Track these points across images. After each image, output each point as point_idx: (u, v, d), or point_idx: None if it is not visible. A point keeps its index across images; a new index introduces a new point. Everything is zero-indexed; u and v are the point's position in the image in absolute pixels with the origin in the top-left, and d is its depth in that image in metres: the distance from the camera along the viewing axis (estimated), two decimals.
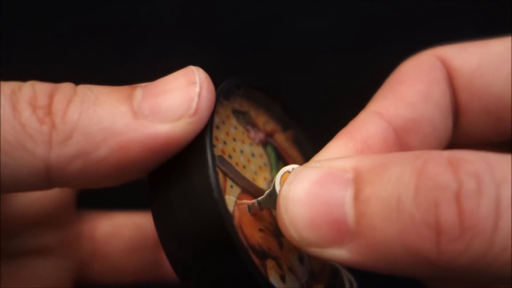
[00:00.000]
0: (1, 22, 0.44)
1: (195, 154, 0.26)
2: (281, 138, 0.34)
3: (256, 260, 0.28)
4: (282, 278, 0.29)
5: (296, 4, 0.48)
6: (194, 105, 0.25)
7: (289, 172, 0.28)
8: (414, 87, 0.29)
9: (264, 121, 0.33)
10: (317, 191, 0.24)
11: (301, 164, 0.29)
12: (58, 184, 0.26)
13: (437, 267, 0.22)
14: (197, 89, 0.26)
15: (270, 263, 0.28)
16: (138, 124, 0.25)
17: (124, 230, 0.37)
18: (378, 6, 0.48)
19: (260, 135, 0.33)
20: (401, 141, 0.29)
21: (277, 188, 0.28)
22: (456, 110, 0.31)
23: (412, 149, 0.29)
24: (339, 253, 0.24)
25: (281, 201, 0.24)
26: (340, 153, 0.27)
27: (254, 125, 0.32)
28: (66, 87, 0.26)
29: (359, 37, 0.48)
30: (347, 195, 0.23)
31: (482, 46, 0.30)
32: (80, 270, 0.36)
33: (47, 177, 0.25)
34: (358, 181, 0.23)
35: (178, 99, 0.25)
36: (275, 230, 0.30)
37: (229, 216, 0.25)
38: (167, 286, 0.37)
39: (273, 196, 0.28)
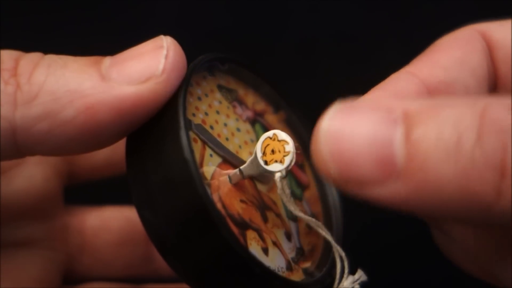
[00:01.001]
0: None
1: (168, 116, 0.26)
2: (272, 119, 0.33)
3: (234, 229, 0.26)
4: (265, 251, 0.28)
5: (297, 6, 0.49)
6: (161, 66, 0.26)
7: (270, 138, 0.27)
8: (450, 53, 0.29)
9: (254, 101, 0.33)
10: (362, 127, 0.23)
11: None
12: (26, 149, 0.26)
13: (491, 211, 0.22)
14: (164, 52, 0.26)
15: (251, 234, 0.27)
16: (105, 86, 0.25)
17: (113, 223, 0.36)
18: (379, 8, 0.48)
19: (248, 113, 0.32)
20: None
21: (259, 154, 0.27)
22: (496, 82, 0.30)
23: None
24: (381, 191, 0.23)
25: (322, 134, 0.23)
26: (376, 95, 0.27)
27: (241, 103, 0.32)
28: (34, 54, 0.26)
29: (360, 39, 0.48)
30: (397, 133, 0.22)
31: None
32: (68, 264, 0.35)
33: (13, 140, 0.25)
34: (408, 120, 0.22)
35: (145, 62, 0.26)
36: (259, 203, 0.29)
37: (199, 176, 0.25)
38: (160, 281, 0.36)
39: (254, 163, 0.27)
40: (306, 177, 0.34)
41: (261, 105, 0.33)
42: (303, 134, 0.34)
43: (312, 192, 0.33)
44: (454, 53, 0.29)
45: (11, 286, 0.32)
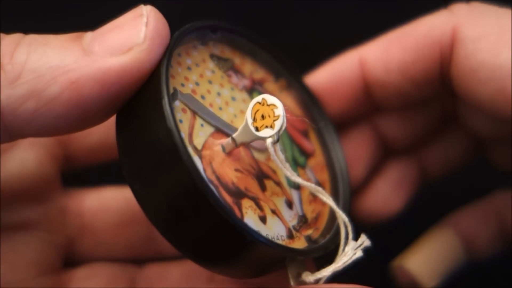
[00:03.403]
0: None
1: (151, 87, 0.27)
2: (272, 88, 0.34)
3: (228, 197, 0.27)
4: (262, 219, 0.28)
5: (297, 5, 0.50)
6: (142, 34, 0.27)
7: (259, 103, 0.28)
8: (402, 56, 0.34)
9: (252, 70, 0.33)
10: None
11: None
12: (15, 131, 0.27)
13: None
14: (144, 19, 0.27)
15: (246, 202, 0.28)
16: (88, 60, 0.26)
17: (112, 204, 0.36)
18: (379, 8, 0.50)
19: (245, 82, 0.32)
20: (367, 90, 0.36)
21: (249, 121, 0.28)
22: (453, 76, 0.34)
23: (376, 101, 0.36)
24: None
25: None
26: (317, 79, 0.36)
27: (237, 72, 0.32)
28: (14, 35, 0.27)
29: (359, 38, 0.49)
30: None
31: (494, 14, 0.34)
32: (69, 246, 0.36)
33: (1, 122, 0.26)
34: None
35: (126, 31, 0.27)
36: (257, 172, 0.30)
37: (183, 144, 0.26)
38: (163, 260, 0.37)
39: (246, 130, 0.28)
40: (310, 144, 0.34)
41: (260, 74, 0.34)
42: (307, 101, 0.34)
43: (317, 159, 0.34)
44: (405, 57, 0.34)
45: (9, 269, 0.32)
